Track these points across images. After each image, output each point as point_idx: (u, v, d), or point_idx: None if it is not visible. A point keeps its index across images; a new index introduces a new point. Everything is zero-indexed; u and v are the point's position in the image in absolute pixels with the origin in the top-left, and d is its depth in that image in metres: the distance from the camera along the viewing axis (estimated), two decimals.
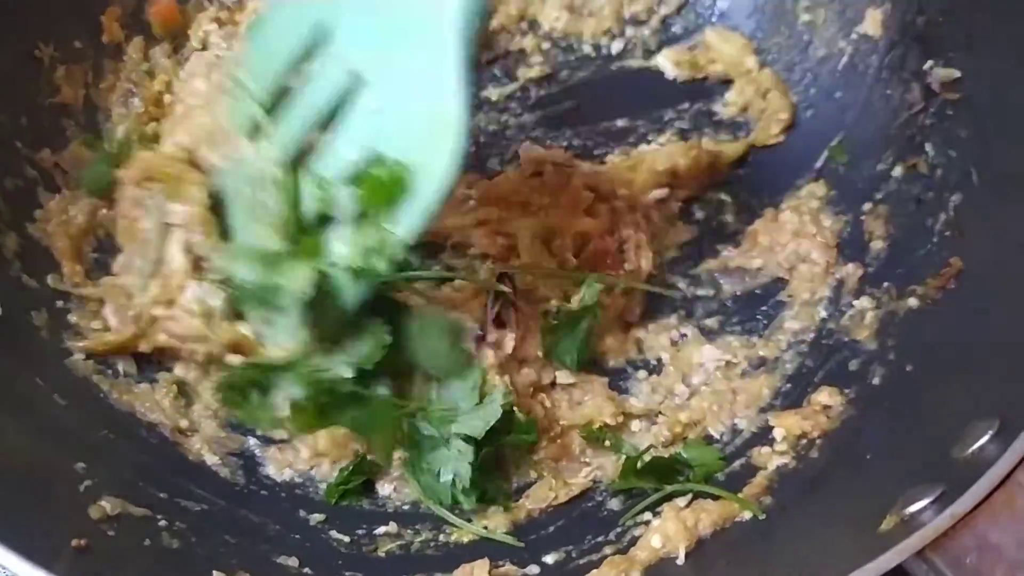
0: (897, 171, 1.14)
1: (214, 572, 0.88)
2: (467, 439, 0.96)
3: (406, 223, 0.95)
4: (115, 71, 1.21)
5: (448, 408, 0.98)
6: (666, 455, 1.01)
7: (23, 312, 1.03)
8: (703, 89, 1.31)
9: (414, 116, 0.93)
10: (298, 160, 1.01)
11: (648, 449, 1.01)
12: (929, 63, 1.12)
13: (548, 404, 1.06)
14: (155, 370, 1.08)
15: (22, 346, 1.00)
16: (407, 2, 0.92)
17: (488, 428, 0.95)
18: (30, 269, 1.06)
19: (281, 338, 0.99)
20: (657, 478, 0.99)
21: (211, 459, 1.03)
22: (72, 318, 1.07)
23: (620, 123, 1.28)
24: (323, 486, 1.03)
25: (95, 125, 1.18)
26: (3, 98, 1.10)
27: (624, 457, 1.01)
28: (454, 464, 0.96)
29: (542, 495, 1.02)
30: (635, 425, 1.07)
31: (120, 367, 1.06)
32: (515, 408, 0.99)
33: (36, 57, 1.14)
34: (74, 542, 0.81)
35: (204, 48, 1.24)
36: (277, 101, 1.02)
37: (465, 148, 0.92)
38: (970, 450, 0.78)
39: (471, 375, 1.00)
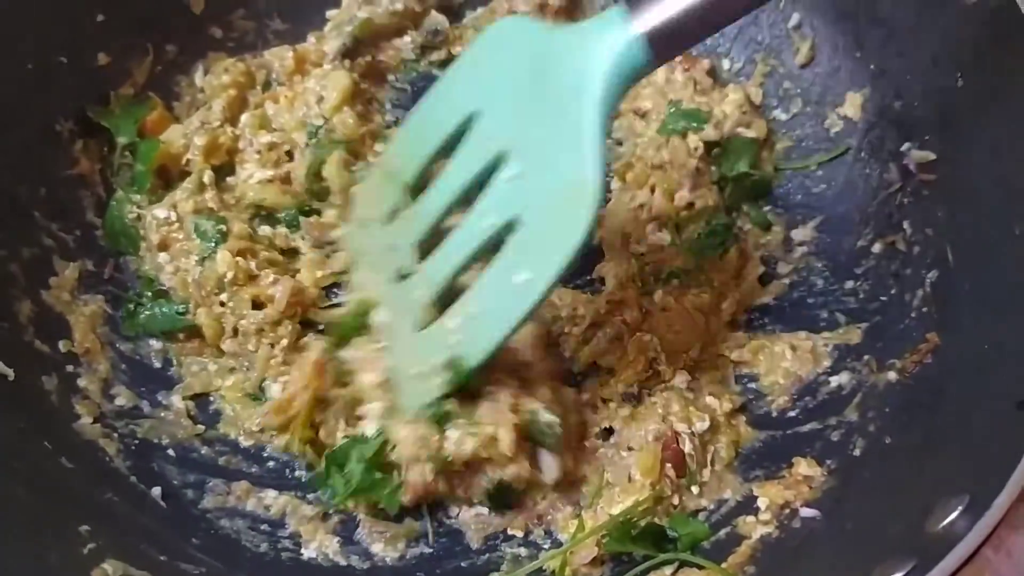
0: (877, 247, 1.18)
1: None
2: None
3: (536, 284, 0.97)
4: None
5: None
6: (659, 521, 1.04)
7: (34, 377, 1.06)
8: None
9: (554, 182, 0.95)
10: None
11: (646, 510, 1.03)
12: (906, 145, 1.17)
13: None
14: None
15: (32, 409, 1.04)
16: (553, 77, 0.95)
17: None
18: (42, 335, 1.10)
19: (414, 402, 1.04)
20: (651, 544, 1.02)
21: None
22: (81, 382, 1.11)
23: None
24: None
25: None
26: (23, 170, 1.15)
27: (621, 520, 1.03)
28: None
29: None
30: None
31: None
32: None
33: (56, 131, 1.19)
34: None
35: None
36: (421, 184, 1.08)
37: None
38: (941, 524, 0.80)
39: None
